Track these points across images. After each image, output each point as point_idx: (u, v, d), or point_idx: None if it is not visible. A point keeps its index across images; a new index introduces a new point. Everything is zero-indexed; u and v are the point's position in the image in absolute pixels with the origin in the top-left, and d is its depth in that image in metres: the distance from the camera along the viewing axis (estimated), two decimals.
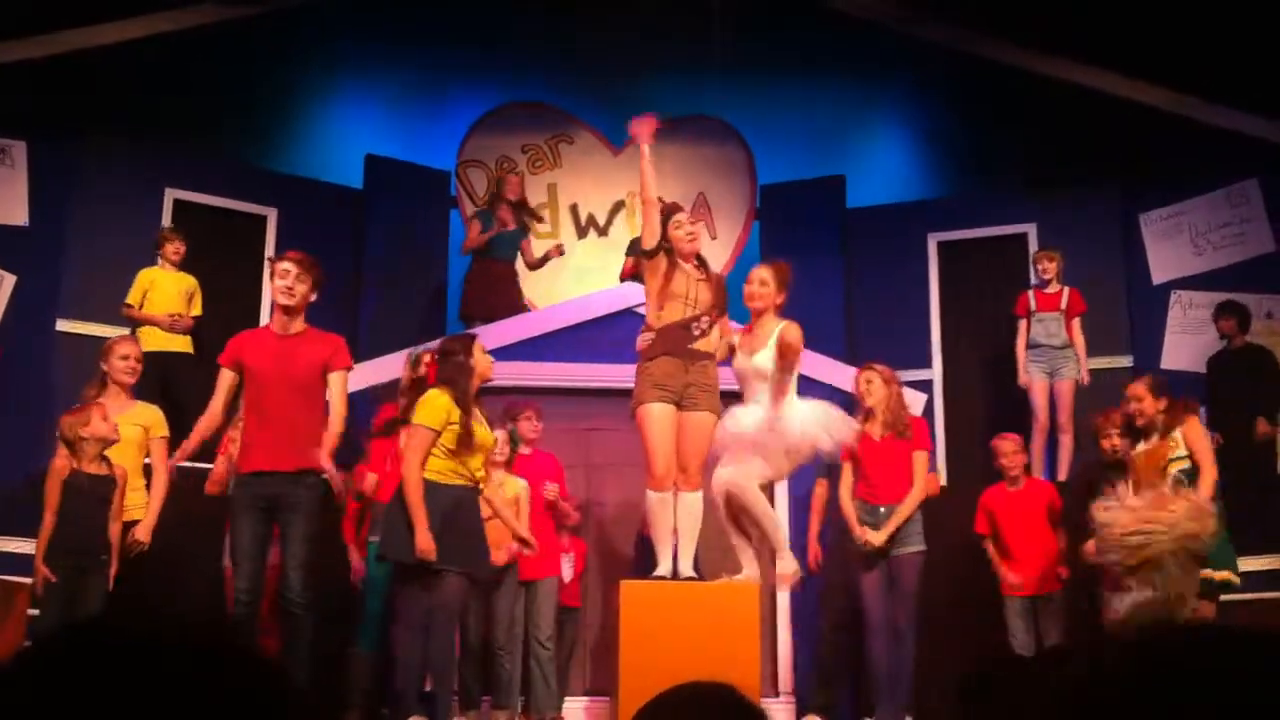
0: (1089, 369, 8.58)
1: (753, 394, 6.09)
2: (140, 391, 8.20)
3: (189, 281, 8.48)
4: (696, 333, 6.09)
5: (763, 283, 6.18)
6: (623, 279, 9.14)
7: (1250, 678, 1.09)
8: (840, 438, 6.17)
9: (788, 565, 6.20)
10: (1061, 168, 9.92)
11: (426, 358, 6.83)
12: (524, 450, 7.27)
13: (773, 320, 6.12)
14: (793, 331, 5.96)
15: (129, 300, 8.32)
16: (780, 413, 5.96)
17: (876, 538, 6.79)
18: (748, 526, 6.22)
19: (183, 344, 8.31)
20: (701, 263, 6.29)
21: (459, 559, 5.75)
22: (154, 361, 8.15)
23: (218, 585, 6.91)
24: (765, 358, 6.01)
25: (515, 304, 9.32)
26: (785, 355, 5.92)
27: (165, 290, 8.36)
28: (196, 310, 8.47)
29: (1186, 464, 6.23)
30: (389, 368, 7.49)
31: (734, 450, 6.08)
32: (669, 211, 6.32)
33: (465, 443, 5.78)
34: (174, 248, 8.46)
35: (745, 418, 6.05)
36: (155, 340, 8.18)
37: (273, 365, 5.78)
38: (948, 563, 7.36)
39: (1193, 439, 6.29)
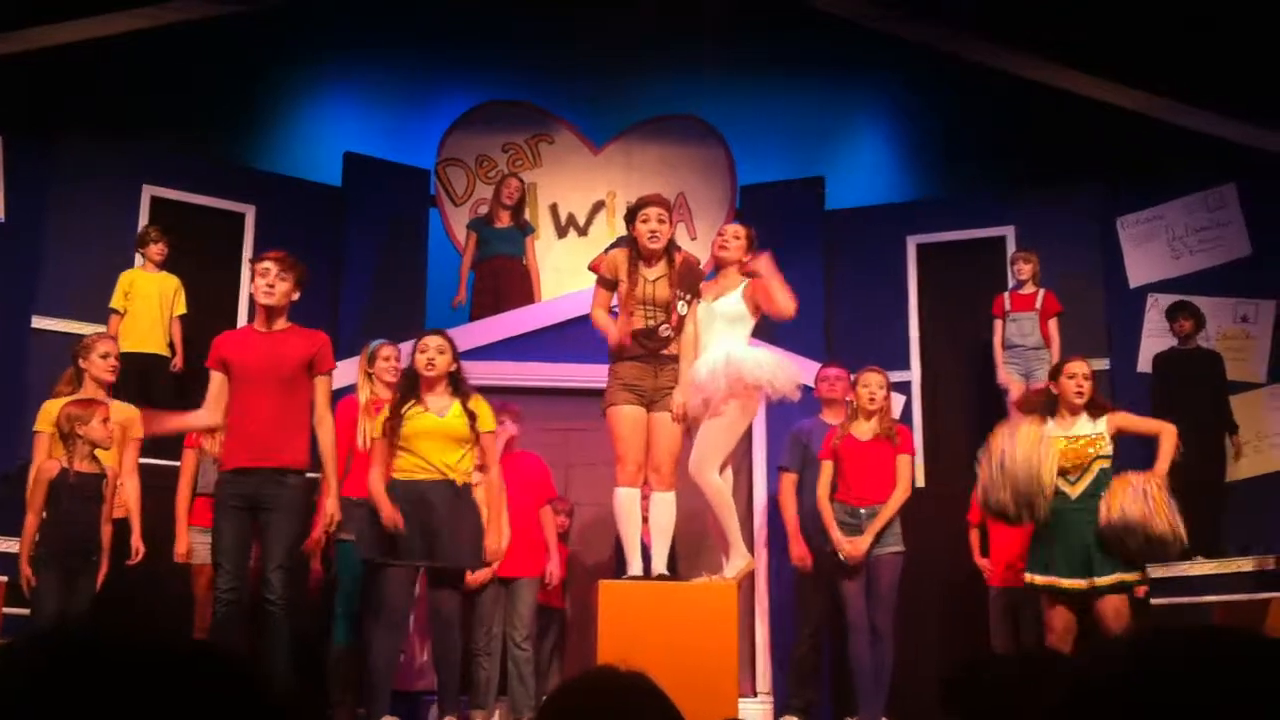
0: None
1: (709, 340, 6.21)
2: (117, 392, 8.21)
3: (171, 282, 8.48)
4: (663, 336, 6.11)
5: (735, 237, 6.46)
6: (590, 268, 9.31)
7: (1240, 680, 1.09)
8: (792, 379, 6.29)
9: (738, 564, 6.19)
10: (1040, 171, 9.96)
11: (384, 352, 6.87)
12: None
13: (736, 275, 6.37)
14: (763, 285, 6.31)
15: (112, 304, 8.35)
16: (733, 353, 6.11)
17: (856, 548, 6.79)
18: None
19: (159, 345, 8.30)
20: (668, 257, 6.23)
21: (421, 553, 5.83)
22: (131, 362, 8.15)
23: (188, 583, 6.92)
24: (729, 302, 6.24)
25: (524, 298, 9.29)
26: (759, 299, 6.24)
27: (146, 291, 8.35)
28: (180, 309, 8.47)
29: (1108, 463, 6.28)
30: None
31: (697, 415, 6.14)
32: (639, 204, 6.33)
33: (391, 436, 5.94)
34: (158, 249, 8.45)
35: (701, 366, 6.10)
36: (132, 341, 8.18)
37: (256, 362, 5.76)
38: (928, 562, 7.38)
39: (1133, 420, 6.44)
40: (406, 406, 5.99)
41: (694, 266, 6.35)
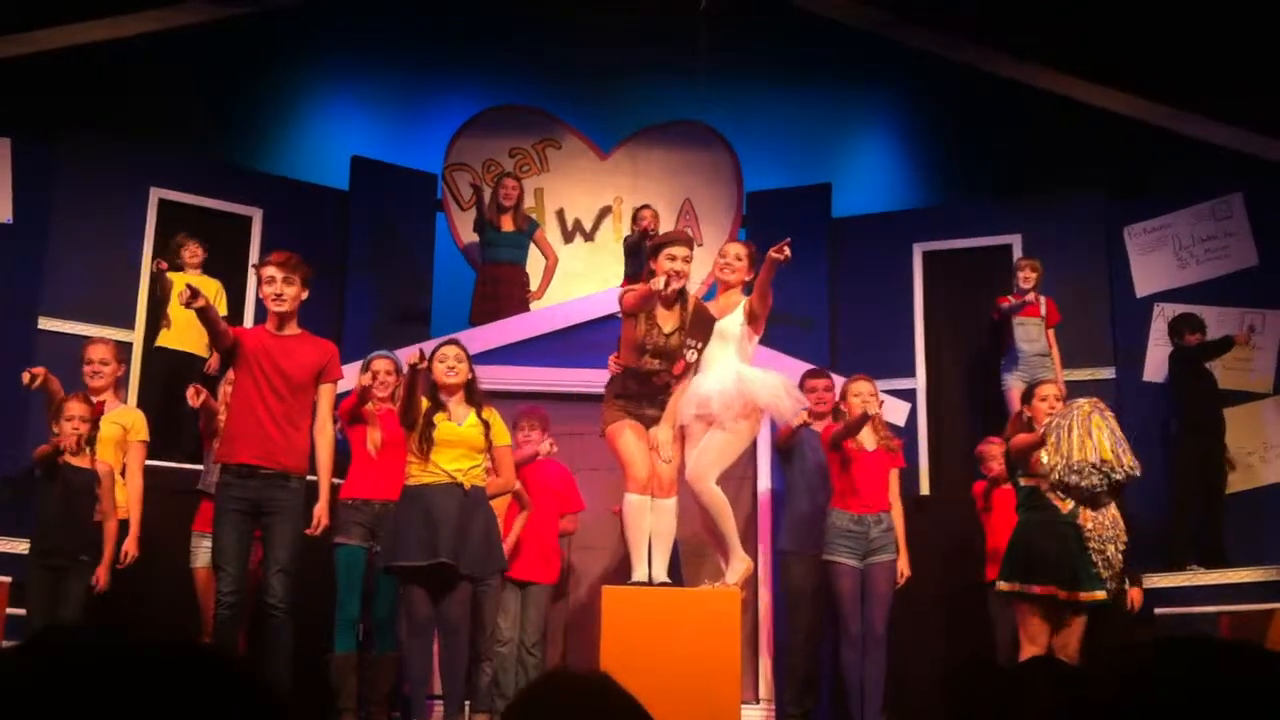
0: (1067, 380, 8.60)
1: (710, 356, 6.23)
2: (149, 387, 8.25)
3: (211, 285, 8.53)
4: (658, 383, 6.15)
5: (738, 258, 6.43)
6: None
7: (1236, 692, 1.09)
8: (797, 404, 6.38)
9: (739, 568, 6.19)
10: (1047, 179, 9.95)
11: (378, 365, 6.90)
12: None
13: (737, 293, 6.39)
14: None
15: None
16: (744, 373, 6.15)
17: (906, 566, 7.02)
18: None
19: (195, 345, 8.34)
20: (682, 300, 6.21)
21: (428, 553, 5.86)
22: (167, 359, 8.21)
23: (193, 587, 6.92)
24: (730, 322, 6.23)
25: (523, 307, 9.30)
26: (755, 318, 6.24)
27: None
28: (221, 311, 8.49)
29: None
30: None
31: (694, 428, 6.14)
32: (667, 240, 6.35)
33: (425, 444, 5.97)
34: (190, 252, 8.54)
35: (707, 382, 6.11)
36: (173, 338, 8.35)
37: (268, 363, 5.76)
38: (930, 568, 7.37)
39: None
40: (438, 415, 6.04)
41: (707, 313, 6.33)
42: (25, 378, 6.41)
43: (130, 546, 6.43)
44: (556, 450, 7.33)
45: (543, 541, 7.17)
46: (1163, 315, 9.09)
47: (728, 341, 6.22)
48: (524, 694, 1.63)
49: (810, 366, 7.71)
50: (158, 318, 8.59)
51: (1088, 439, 5.70)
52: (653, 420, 6.16)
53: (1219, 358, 8.54)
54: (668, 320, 6.15)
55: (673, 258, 6.13)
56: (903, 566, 7.01)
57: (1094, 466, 5.62)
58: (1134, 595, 7.20)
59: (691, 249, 6.30)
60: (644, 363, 6.10)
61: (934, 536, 7.60)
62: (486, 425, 6.11)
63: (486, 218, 9.61)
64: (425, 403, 6.04)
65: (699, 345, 6.17)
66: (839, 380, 7.50)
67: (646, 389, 6.14)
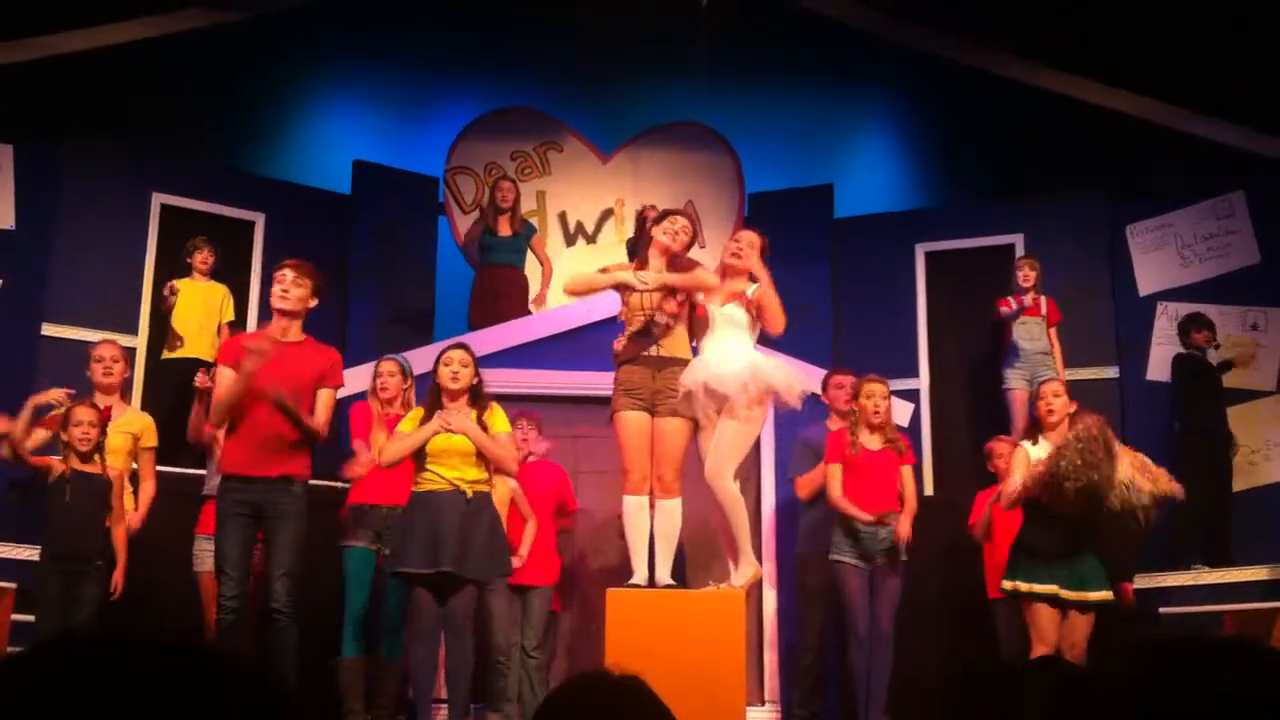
0: (1071, 379, 8.59)
1: (713, 339, 6.21)
2: (163, 396, 8.25)
3: (219, 290, 8.56)
4: (656, 331, 6.09)
5: (751, 244, 6.37)
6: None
7: (1240, 690, 1.09)
8: (805, 389, 6.39)
9: (747, 572, 6.18)
10: (1049, 179, 9.94)
11: (383, 367, 6.92)
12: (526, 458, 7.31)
13: (743, 281, 6.33)
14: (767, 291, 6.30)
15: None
16: (757, 358, 6.16)
17: (905, 528, 6.85)
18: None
19: (204, 351, 8.35)
20: (672, 260, 6.26)
21: (431, 560, 5.85)
22: (176, 367, 8.21)
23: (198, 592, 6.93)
24: (736, 308, 6.21)
25: (521, 309, 9.30)
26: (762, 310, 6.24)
27: (192, 301, 8.44)
28: (229, 316, 8.56)
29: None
30: None
31: (707, 412, 6.10)
32: (671, 211, 6.43)
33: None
34: (201, 257, 8.60)
35: (720, 364, 6.08)
36: (187, 347, 8.37)
37: (270, 371, 5.72)
38: (934, 568, 7.37)
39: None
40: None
41: (686, 259, 6.36)
42: (56, 395, 6.42)
43: (120, 543, 6.33)
44: (548, 449, 7.35)
45: (541, 544, 7.19)
46: (1166, 314, 9.08)
47: (737, 327, 6.22)
48: (557, 692, 1.63)
49: (819, 368, 7.74)
50: (162, 324, 8.59)
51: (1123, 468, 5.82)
52: (658, 398, 6.11)
53: (1221, 375, 8.57)
54: (649, 275, 6.19)
55: (674, 222, 6.25)
56: (905, 530, 6.85)
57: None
58: (1126, 590, 7.16)
59: (694, 225, 6.35)
60: (638, 315, 6.10)
61: (936, 535, 7.59)
62: (485, 428, 6.10)
63: (485, 223, 9.63)
64: (422, 411, 6.09)
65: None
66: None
67: (650, 340, 6.10)
